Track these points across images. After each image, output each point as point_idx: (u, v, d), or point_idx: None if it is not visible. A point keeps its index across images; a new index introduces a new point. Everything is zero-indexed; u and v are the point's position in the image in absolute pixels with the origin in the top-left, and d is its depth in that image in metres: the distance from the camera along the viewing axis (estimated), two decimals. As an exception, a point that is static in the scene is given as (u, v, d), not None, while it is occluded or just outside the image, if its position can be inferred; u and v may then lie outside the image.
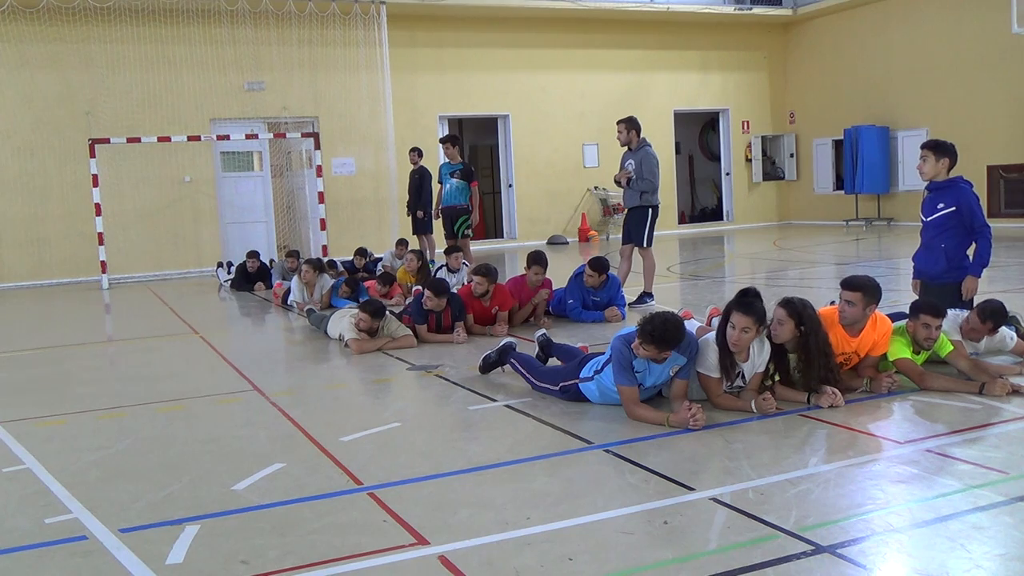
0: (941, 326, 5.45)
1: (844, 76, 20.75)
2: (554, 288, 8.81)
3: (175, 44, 16.01)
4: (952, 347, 5.53)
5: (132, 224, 15.78)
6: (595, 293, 8.55)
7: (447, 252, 10.85)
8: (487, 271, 8.02)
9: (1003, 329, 5.95)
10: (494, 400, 5.63)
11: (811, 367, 5.07)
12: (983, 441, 4.40)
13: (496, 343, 6.44)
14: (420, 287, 10.43)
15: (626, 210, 9.89)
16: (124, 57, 15.67)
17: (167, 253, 16.28)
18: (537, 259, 8.42)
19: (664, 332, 4.76)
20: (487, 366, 6.25)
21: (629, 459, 4.29)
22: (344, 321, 7.81)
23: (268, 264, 13.63)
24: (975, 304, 6.03)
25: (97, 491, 4.20)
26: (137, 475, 4.45)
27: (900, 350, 5.44)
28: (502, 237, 20.44)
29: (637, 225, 9.59)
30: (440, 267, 11.02)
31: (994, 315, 5.75)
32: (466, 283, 8.54)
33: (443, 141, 12.88)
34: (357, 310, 7.71)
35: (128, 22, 15.42)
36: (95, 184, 14.40)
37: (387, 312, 7.81)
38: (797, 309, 5.02)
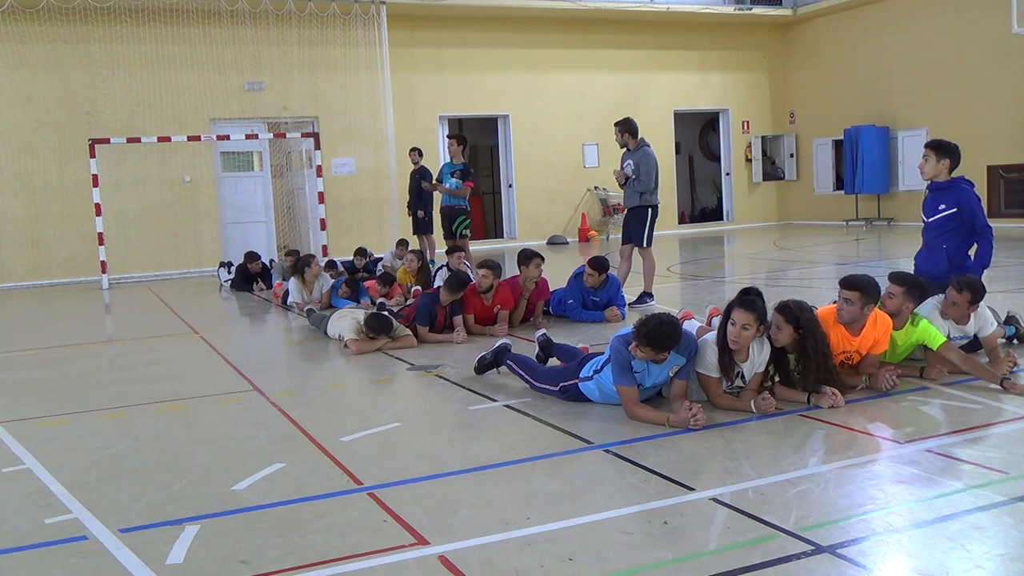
0: (905, 293, 5.46)
1: (844, 76, 20.75)
2: (554, 288, 8.82)
3: (175, 44, 16.01)
4: (943, 339, 5.52)
5: (132, 224, 15.78)
6: (595, 293, 8.55)
7: (448, 252, 10.85)
8: (492, 265, 8.05)
9: (987, 312, 5.88)
10: (494, 400, 5.63)
11: (809, 369, 5.07)
12: (983, 441, 4.40)
13: (492, 344, 6.43)
14: (420, 288, 10.47)
15: (626, 210, 9.90)
16: (124, 57, 15.67)
17: (167, 253, 16.28)
18: (529, 256, 8.40)
19: (660, 334, 4.76)
20: (482, 367, 6.24)
21: (629, 459, 4.29)
22: (344, 321, 7.81)
23: (268, 264, 13.63)
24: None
25: (97, 491, 4.20)
26: (137, 475, 4.45)
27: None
28: (502, 237, 20.44)
29: (637, 225, 9.59)
30: (441, 267, 11.02)
31: (971, 286, 5.69)
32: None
33: (450, 137, 12.73)
34: (362, 322, 7.65)
35: (128, 22, 15.42)
36: (95, 184, 14.40)
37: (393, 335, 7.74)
38: (793, 313, 5.02)
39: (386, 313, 8.00)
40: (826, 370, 5.08)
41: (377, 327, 7.49)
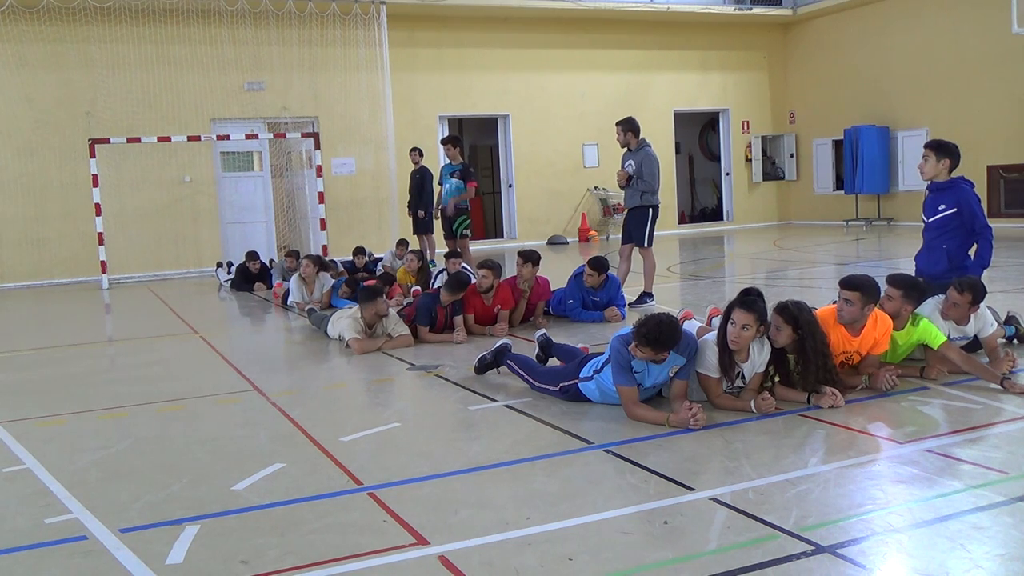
0: (903, 296, 5.46)
1: (844, 76, 20.75)
2: (554, 288, 8.82)
3: (175, 44, 16.01)
4: (944, 339, 5.51)
5: (132, 224, 15.78)
6: (595, 293, 8.55)
7: (447, 257, 10.82)
8: (492, 265, 8.05)
9: (987, 312, 5.88)
10: (494, 400, 5.63)
11: (808, 369, 5.06)
12: (983, 441, 4.40)
13: (492, 344, 6.44)
14: (420, 288, 10.47)
15: (626, 210, 9.90)
16: (124, 57, 15.67)
17: (167, 253, 16.28)
18: (529, 257, 8.42)
19: (659, 334, 4.76)
20: (482, 367, 6.25)
21: (629, 459, 4.29)
22: (344, 321, 7.81)
23: (268, 264, 13.63)
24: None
25: (97, 491, 4.20)
26: (137, 475, 4.45)
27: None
28: (502, 237, 20.44)
29: (637, 225, 9.59)
30: (440, 271, 11.01)
31: (972, 288, 5.69)
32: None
33: (444, 142, 12.86)
34: (357, 309, 7.69)
35: (128, 22, 15.42)
36: (95, 184, 14.40)
37: (389, 309, 7.81)
38: (792, 314, 5.02)
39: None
40: (826, 370, 5.08)
41: (369, 295, 7.53)
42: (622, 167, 9.70)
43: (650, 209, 9.54)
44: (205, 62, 16.24)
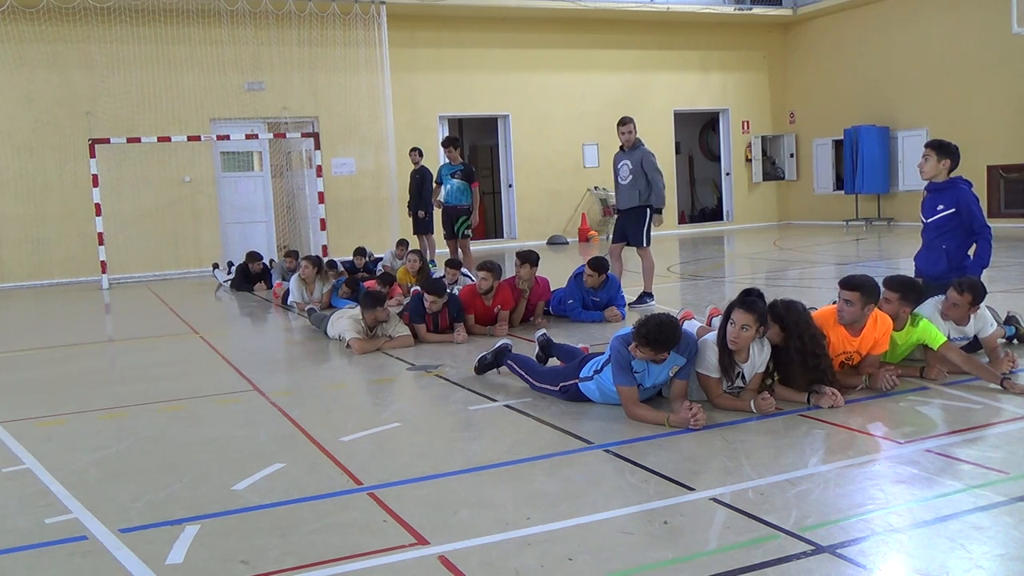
0: (900, 298, 5.46)
1: (844, 76, 20.75)
2: (554, 288, 8.83)
3: (175, 44, 16.02)
4: (944, 339, 5.51)
5: (132, 224, 15.78)
6: (595, 293, 8.55)
7: (447, 264, 10.80)
8: (492, 267, 8.05)
9: (986, 312, 5.87)
10: (494, 400, 5.63)
11: (791, 370, 5.06)
12: (983, 441, 4.40)
13: (493, 344, 6.44)
14: (419, 287, 10.47)
15: (618, 210, 9.84)
16: (124, 57, 15.67)
17: (167, 253, 16.28)
18: (527, 258, 8.42)
19: (659, 334, 4.76)
20: (483, 367, 6.25)
21: (629, 459, 4.29)
22: (344, 321, 7.81)
23: (268, 264, 13.63)
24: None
25: (97, 491, 4.20)
26: (137, 475, 4.45)
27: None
28: (502, 237, 20.44)
29: (635, 225, 9.57)
30: (441, 278, 11.00)
31: (972, 288, 5.69)
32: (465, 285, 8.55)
33: (444, 144, 12.86)
34: (358, 309, 7.70)
35: (128, 22, 15.41)
36: (95, 184, 14.40)
37: (389, 311, 7.82)
38: (779, 313, 5.03)
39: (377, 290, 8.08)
40: (818, 371, 5.07)
41: (371, 302, 7.52)
42: (615, 168, 9.63)
43: (648, 209, 9.53)
44: (205, 62, 16.23)
